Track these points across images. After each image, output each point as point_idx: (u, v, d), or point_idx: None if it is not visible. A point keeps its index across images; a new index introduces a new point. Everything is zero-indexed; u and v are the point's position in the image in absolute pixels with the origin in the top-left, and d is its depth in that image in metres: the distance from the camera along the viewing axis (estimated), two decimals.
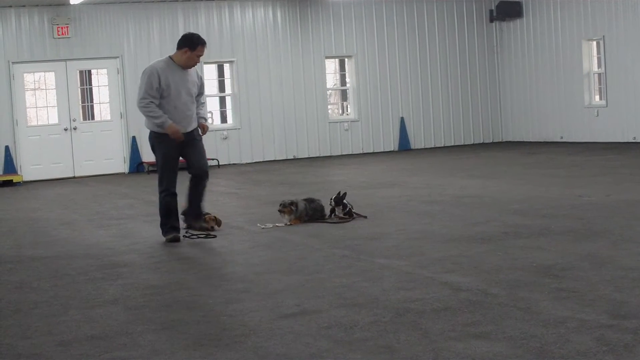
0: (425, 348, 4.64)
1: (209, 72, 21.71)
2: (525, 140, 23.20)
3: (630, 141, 19.95)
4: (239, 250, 8.39)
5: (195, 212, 9.51)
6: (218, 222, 9.77)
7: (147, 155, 20.35)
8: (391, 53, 22.75)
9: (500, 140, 23.89)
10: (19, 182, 18.78)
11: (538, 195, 11.21)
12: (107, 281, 7.09)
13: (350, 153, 22.38)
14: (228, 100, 21.84)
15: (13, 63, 19.38)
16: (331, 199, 10.11)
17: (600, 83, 21.18)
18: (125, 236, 9.82)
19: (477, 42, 23.61)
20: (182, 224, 10.04)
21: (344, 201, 10.07)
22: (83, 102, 20.52)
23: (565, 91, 21.79)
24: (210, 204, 11.11)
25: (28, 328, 5.62)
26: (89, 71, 20.83)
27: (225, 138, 21.11)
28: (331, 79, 23.78)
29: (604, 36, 20.49)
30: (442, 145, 23.27)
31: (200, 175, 9.32)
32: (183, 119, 9.10)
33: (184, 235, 9.38)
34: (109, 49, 20.12)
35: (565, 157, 17.30)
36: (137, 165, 20.28)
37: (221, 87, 22.55)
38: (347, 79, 22.94)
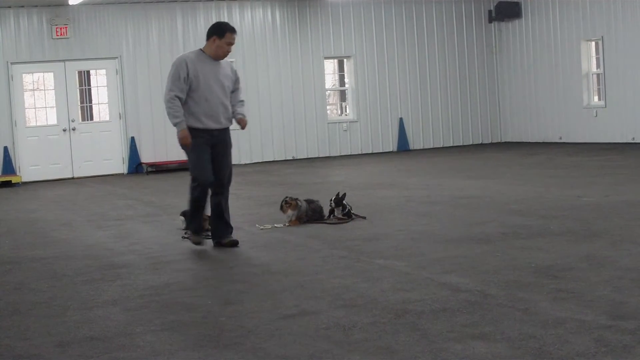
0: (424, 349, 4.64)
1: None
2: (524, 140, 23.20)
3: (629, 142, 19.95)
4: (237, 251, 8.39)
5: (223, 227, 8.64)
6: None
7: (146, 156, 20.36)
8: (390, 53, 22.75)
9: (499, 141, 23.89)
10: (18, 183, 18.77)
11: (537, 195, 11.21)
12: (106, 282, 7.09)
13: (349, 154, 22.37)
14: None
15: (12, 63, 19.37)
16: (331, 200, 10.11)
17: (599, 83, 21.18)
18: (124, 237, 9.81)
19: (476, 42, 23.61)
20: (181, 225, 10.05)
21: (343, 202, 10.07)
22: (82, 102, 20.52)
23: (564, 92, 21.80)
24: (208, 205, 11.11)
25: (27, 329, 5.62)
26: (88, 72, 20.83)
27: None
28: (330, 79, 23.77)
29: (602, 37, 20.49)
30: (441, 146, 23.27)
31: (222, 187, 8.55)
32: (215, 113, 8.42)
33: (182, 237, 9.38)
34: (108, 50, 20.12)
35: (564, 158, 17.30)
36: (136, 166, 20.27)
37: None
38: (346, 80, 22.94)
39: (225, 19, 20.99)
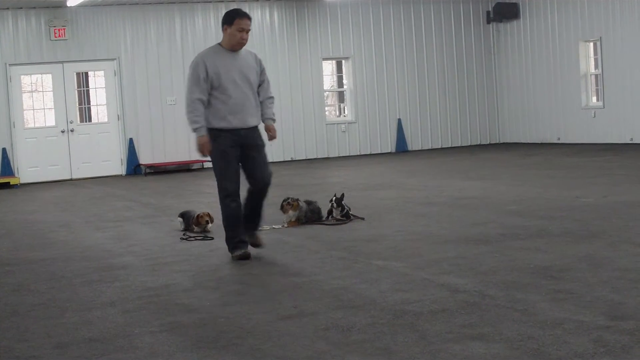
0: (423, 350, 4.64)
1: None
2: (522, 141, 23.21)
3: (627, 142, 19.97)
4: None
5: (251, 226, 8.07)
6: (211, 219, 9.78)
7: (144, 157, 20.36)
8: (388, 54, 22.76)
9: (497, 142, 23.90)
10: (16, 185, 18.76)
11: (535, 196, 11.22)
12: (105, 283, 7.09)
13: (348, 155, 22.38)
14: None
15: (10, 65, 19.38)
16: (332, 201, 10.10)
17: (597, 84, 21.20)
18: (122, 238, 9.81)
19: (474, 43, 23.62)
20: (179, 226, 10.05)
21: (342, 203, 10.07)
22: (80, 104, 20.53)
23: (562, 92, 21.81)
24: (207, 206, 11.11)
25: (25, 330, 5.61)
26: (86, 73, 20.84)
27: None
28: (328, 80, 23.78)
29: (601, 37, 20.51)
30: (439, 147, 23.28)
31: (260, 190, 7.90)
32: (241, 111, 7.74)
33: (180, 238, 9.37)
34: (106, 51, 20.12)
35: (563, 159, 17.30)
36: (134, 167, 20.27)
37: None
38: (345, 81, 22.94)
39: None
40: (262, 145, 7.94)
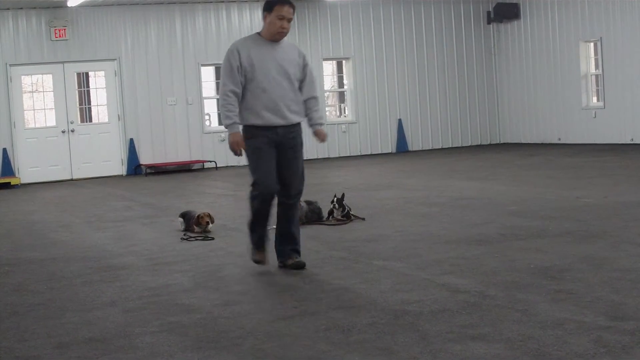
0: (423, 350, 4.64)
1: (206, 75, 21.72)
2: (522, 141, 23.21)
3: (627, 142, 19.97)
4: (236, 252, 8.38)
5: (289, 249, 7.24)
6: (211, 220, 9.78)
7: (145, 158, 20.36)
8: (389, 55, 22.76)
9: (497, 142, 23.90)
10: (17, 185, 18.76)
11: (536, 196, 11.21)
12: (105, 283, 7.09)
13: (348, 155, 22.38)
14: None
15: (10, 65, 19.38)
16: (333, 201, 10.08)
17: (597, 84, 21.20)
18: (122, 238, 9.81)
19: (475, 43, 23.62)
20: (179, 227, 10.04)
21: (343, 203, 10.07)
22: (81, 104, 20.52)
23: (562, 93, 21.81)
24: (208, 206, 11.13)
25: (25, 331, 5.61)
26: (87, 73, 20.84)
27: (223, 140, 21.10)
28: (329, 80, 23.78)
29: (601, 38, 20.51)
30: (440, 147, 23.28)
31: (292, 198, 7.21)
32: (277, 106, 7.02)
33: (181, 238, 9.37)
34: (107, 52, 20.12)
35: (563, 159, 17.30)
36: (134, 168, 20.27)
37: (218, 89, 22.53)
38: (345, 81, 22.94)
39: (224, 20, 21.01)
40: (301, 147, 7.22)
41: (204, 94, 21.34)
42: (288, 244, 7.24)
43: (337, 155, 22.27)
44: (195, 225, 9.76)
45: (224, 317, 5.65)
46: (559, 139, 21.98)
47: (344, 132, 22.43)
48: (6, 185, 18.51)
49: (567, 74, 21.63)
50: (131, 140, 20.27)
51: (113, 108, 20.36)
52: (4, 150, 19.24)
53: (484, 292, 5.88)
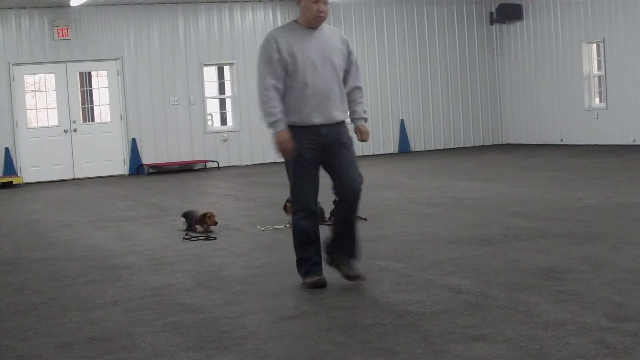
0: (425, 350, 4.64)
1: (208, 74, 21.72)
2: (525, 142, 23.20)
3: (630, 144, 19.95)
4: (238, 252, 8.39)
5: (345, 251, 6.48)
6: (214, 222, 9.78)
7: (147, 157, 20.36)
8: (391, 55, 22.75)
9: (500, 143, 23.89)
10: (19, 184, 18.78)
11: (538, 197, 11.21)
12: (107, 283, 7.09)
13: None
14: (228, 102, 21.85)
15: (13, 65, 19.39)
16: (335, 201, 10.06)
17: (600, 85, 21.18)
18: (124, 238, 9.82)
19: (477, 44, 23.61)
20: (182, 226, 10.04)
21: None
22: (83, 103, 20.52)
23: (565, 94, 21.80)
24: (210, 206, 11.13)
25: (28, 330, 5.62)
26: (89, 73, 20.84)
27: (225, 140, 21.11)
28: None
29: (604, 39, 20.49)
30: (442, 148, 23.27)
31: (350, 200, 6.46)
32: (322, 103, 6.29)
33: (183, 238, 9.37)
34: (109, 51, 20.13)
35: (565, 160, 17.30)
36: (137, 167, 20.28)
37: (221, 89, 22.57)
38: None
39: (226, 20, 21.02)
40: (350, 144, 6.49)
41: (207, 94, 21.35)
42: (344, 249, 6.45)
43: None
44: (197, 224, 9.74)
45: (225, 317, 5.65)
46: (562, 140, 21.97)
47: None
48: (8, 185, 18.52)
49: (569, 75, 21.61)
50: (133, 140, 20.27)
51: (115, 108, 20.37)
52: (6, 149, 19.25)
53: (486, 292, 5.88)
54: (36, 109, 20.27)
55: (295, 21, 6.40)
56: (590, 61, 21.35)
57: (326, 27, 6.44)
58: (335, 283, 6.52)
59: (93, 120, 21.03)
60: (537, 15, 22.48)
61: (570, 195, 11.26)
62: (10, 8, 19.29)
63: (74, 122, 19.92)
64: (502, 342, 4.70)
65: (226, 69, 21.62)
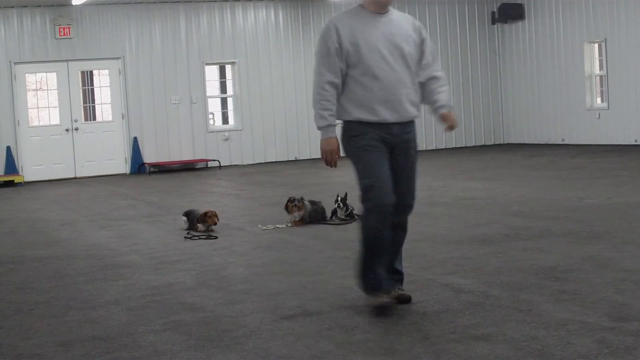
0: (426, 350, 4.64)
1: (210, 73, 21.72)
2: (526, 142, 23.19)
3: (631, 143, 19.94)
4: (240, 251, 8.40)
5: (391, 275, 5.74)
6: (217, 218, 9.77)
7: (149, 156, 20.37)
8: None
9: (501, 142, 23.88)
10: (20, 183, 18.78)
11: (539, 197, 11.21)
12: (108, 282, 7.10)
13: None
14: (230, 101, 21.85)
15: (15, 63, 19.39)
16: (338, 201, 10.08)
17: (602, 85, 21.17)
18: (126, 237, 9.82)
19: (479, 44, 23.60)
20: (183, 225, 10.04)
21: (346, 202, 10.08)
22: (85, 102, 20.53)
23: (567, 93, 21.79)
24: (211, 205, 11.13)
25: (29, 328, 5.62)
26: (91, 72, 20.84)
27: (227, 139, 21.11)
28: None
29: (605, 38, 20.48)
30: (444, 147, 23.26)
31: (402, 215, 5.72)
32: (393, 97, 5.53)
33: (184, 237, 9.37)
34: (111, 50, 20.13)
35: (567, 160, 17.29)
36: (138, 166, 20.28)
37: (223, 88, 22.56)
38: None
39: (228, 19, 21.02)
40: (416, 156, 5.74)
41: (208, 93, 21.34)
42: (391, 270, 5.75)
43: (341, 155, 22.21)
44: (198, 222, 9.74)
45: (227, 316, 5.65)
46: (563, 140, 21.95)
47: None
48: (10, 183, 18.52)
49: (571, 75, 21.60)
50: (135, 139, 20.27)
51: (117, 106, 20.37)
52: (8, 148, 19.25)
53: (487, 292, 5.88)
54: (38, 108, 20.28)
55: (360, 5, 5.64)
56: (592, 61, 21.34)
57: (396, 13, 5.70)
58: (336, 283, 6.52)
59: (94, 119, 21.02)
60: (539, 15, 22.47)
61: (571, 195, 11.26)
62: (12, 7, 19.29)
63: (76, 121, 19.92)
64: (503, 341, 4.70)
65: (228, 67, 21.62)
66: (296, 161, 21.40)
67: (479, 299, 5.70)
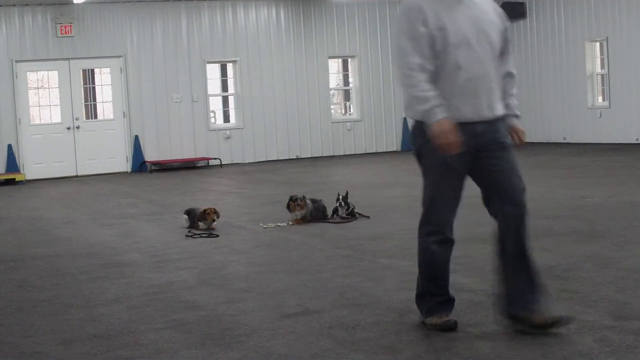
0: (428, 348, 4.64)
1: (212, 72, 21.72)
2: (528, 140, 23.12)
3: (633, 142, 19.93)
4: (241, 249, 8.39)
5: (529, 297, 4.86)
6: (217, 214, 9.77)
7: (150, 155, 20.37)
8: (394, 53, 22.72)
9: None
10: (22, 181, 18.78)
11: (541, 196, 11.20)
12: (109, 280, 7.10)
13: (353, 153, 22.36)
14: (231, 99, 21.86)
15: (16, 61, 19.39)
16: (339, 199, 10.07)
17: (603, 84, 21.16)
18: (127, 235, 9.82)
19: None
20: (184, 224, 10.04)
21: (347, 201, 10.08)
22: (86, 100, 20.54)
23: (568, 92, 21.77)
24: (212, 203, 11.11)
25: (30, 327, 5.62)
26: (92, 70, 20.85)
27: (228, 137, 21.12)
28: (334, 79, 23.76)
29: (607, 37, 20.47)
30: None
31: (511, 216, 5.12)
32: (478, 92, 4.82)
33: (185, 235, 9.37)
34: (112, 48, 20.13)
35: (568, 158, 17.28)
36: (139, 165, 20.28)
37: (224, 87, 22.56)
38: (350, 79, 22.93)
39: (229, 17, 21.01)
40: (511, 145, 5.02)
41: (210, 91, 21.34)
42: (525, 283, 4.91)
43: (342, 154, 22.24)
44: (199, 220, 9.74)
45: (228, 315, 5.65)
46: (564, 139, 21.94)
47: (349, 130, 22.41)
48: (11, 182, 18.53)
49: (572, 74, 21.59)
50: (136, 137, 20.27)
51: (118, 105, 20.37)
52: (9, 146, 19.26)
53: (489, 291, 5.87)
54: (39, 106, 20.28)
55: None
56: (594, 59, 21.33)
57: None
58: (337, 281, 6.52)
59: (96, 117, 21.03)
60: (541, 13, 22.45)
61: (573, 193, 11.25)
62: (14, 5, 19.29)
63: (77, 119, 19.92)
64: (504, 340, 4.70)
65: (229, 66, 21.62)
66: (297, 159, 21.40)
67: (480, 297, 5.70)
